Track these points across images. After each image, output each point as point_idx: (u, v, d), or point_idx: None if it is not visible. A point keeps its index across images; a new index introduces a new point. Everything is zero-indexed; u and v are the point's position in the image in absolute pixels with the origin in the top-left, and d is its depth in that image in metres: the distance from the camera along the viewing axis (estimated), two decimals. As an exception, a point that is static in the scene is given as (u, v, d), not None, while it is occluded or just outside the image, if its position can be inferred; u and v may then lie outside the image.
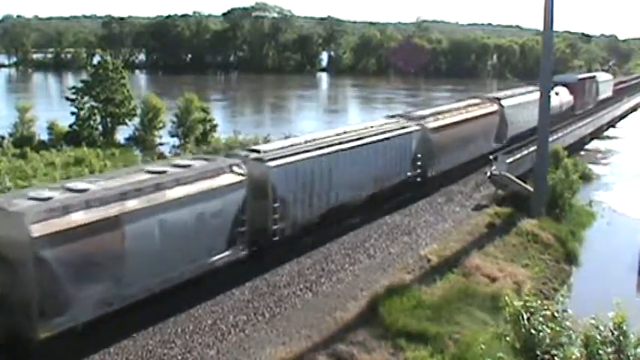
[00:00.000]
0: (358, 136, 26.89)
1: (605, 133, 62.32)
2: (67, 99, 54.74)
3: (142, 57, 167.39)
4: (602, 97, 69.05)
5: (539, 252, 27.10)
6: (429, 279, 21.49)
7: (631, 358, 9.92)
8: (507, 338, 10.97)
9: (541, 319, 10.67)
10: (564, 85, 56.44)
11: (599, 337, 10.05)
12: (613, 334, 9.97)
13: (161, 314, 17.67)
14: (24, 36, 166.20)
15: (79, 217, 15.49)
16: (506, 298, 11.00)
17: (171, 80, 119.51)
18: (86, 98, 54.20)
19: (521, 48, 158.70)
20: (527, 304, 10.81)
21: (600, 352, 9.96)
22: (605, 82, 72.97)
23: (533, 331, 10.56)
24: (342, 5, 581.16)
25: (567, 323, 10.57)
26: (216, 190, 19.12)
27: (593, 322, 10.18)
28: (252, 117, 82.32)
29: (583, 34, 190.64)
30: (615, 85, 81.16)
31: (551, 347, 10.45)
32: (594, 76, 69.35)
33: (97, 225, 15.69)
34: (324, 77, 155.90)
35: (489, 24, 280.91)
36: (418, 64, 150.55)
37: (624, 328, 10.02)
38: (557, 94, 50.75)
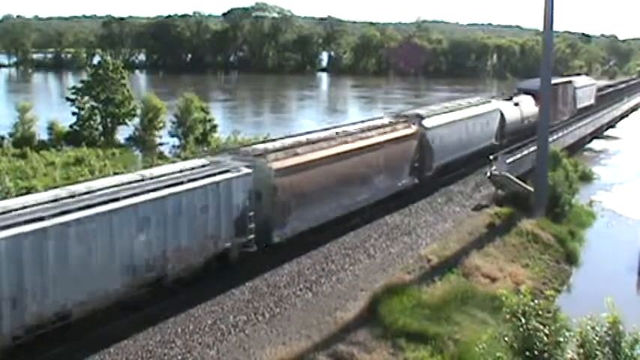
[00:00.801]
0: (113, 196, 17.07)
1: (606, 133, 62.29)
2: (67, 99, 54.78)
3: (142, 57, 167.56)
4: (581, 105, 58.95)
5: (540, 252, 27.11)
6: (428, 279, 21.50)
7: (627, 358, 9.95)
8: (506, 338, 10.98)
9: (538, 318, 10.69)
10: (528, 93, 47.26)
11: (595, 337, 10.07)
12: (608, 334, 9.99)
13: (161, 314, 17.68)
14: (24, 36, 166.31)
15: None
16: (504, 297, 11.00)
17: (172, 80, 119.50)
18: (86, 98, 54.25)
19: (521, 48, 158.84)
20: (524, 303, 10.82)
21: (597, 352, 9.98)
22: (586, 88, 62.66)
23: (530, 330, 10.59)
24: (342, 5, 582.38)
25: (562, 323, 10.60)
26: None
27: (589, 322, 10.19)
28: (253, 117, 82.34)
29: (583, 34, 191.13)
30: (599, 90, 71.37)
31: (548, 346, 10.47)
32: (570, 81, 58.70)
33: None
34: (324, 77, 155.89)
35: (489, 24, 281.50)
36: (418, 64, 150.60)
37: (619, 327, 10.04)
38: (516, 104, 44.23)
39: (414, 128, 30.42)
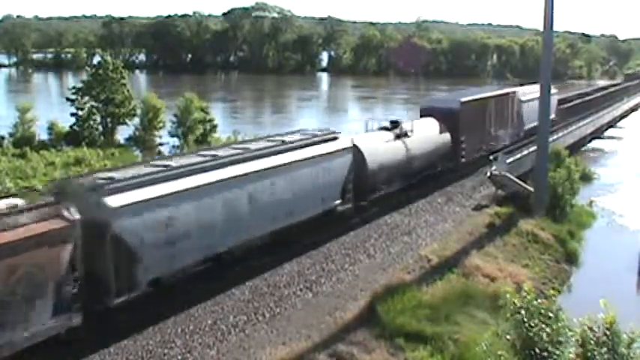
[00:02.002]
0: None
1: (605, 133, 62.25)
2: (68, 99, 54.83)
3: (142, 57, 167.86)
4: (531, 124, 40.43)
5: (540, 252, 27.11)
6: (429, 279, 21.49)
7: (624, 357, 10.03)
8: (507, 337, 11.02)
9: (540, 317, 10.75)
10: (431, 114, 33.69)
11: (592, 337, 10.15)
12: (606, 334, 10.07)
13: (161, 314, 17.68)
14: (24, 36, 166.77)
15: None
16: (507, 295, 11.06)
17: (173, 80, 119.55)
18: (86, 98, 54.29)
19: (521, 48, 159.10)
20: (526, 302, 10.89)
21: (595, 352, 10.07)
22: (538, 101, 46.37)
23: (533, 329, 10.64)
24: (342, 5, 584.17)
25: (564, 323, 10.67)
26: None
27: (587, 322, 10.28)
28: (253, 117, 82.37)
29: (583, 34, 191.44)
30: (564, 101, 54.83)
31: (549, 345, 10.53)
32: (512, 93, 42.28)
33: None
34: (324, 77, 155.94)
35: (489, 24, 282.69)
36: (418, 64, 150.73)
37: (615, 328, 10.12)
38: (400, 136, 29.46)
39: (66, 219, 15.34)
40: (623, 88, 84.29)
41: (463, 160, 34.40)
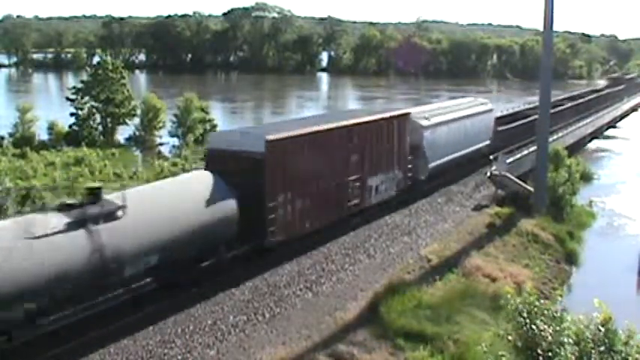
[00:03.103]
0: None
1: (605, 133, 62.23)
2: (67, 99, 54.88)
3: (142, 57, 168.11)
4: (442, 159, 31.84)
5: (540, 252, 27.10)
6: (429, 279, 21.48)
7: (621, 354, 10.08)
8: (509, 337, 11.03)
9: (543, 317, 10.76)
10: (217, 163, 20.37)
11: (589, 336, 10.20)
12: (602, 332, 10.12)
13: (161, 314, 17.67)
14: (24, 36, 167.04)
15: None
16: (508, 295, 11.08)
17: (173, 80, 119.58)
18: (86, 98, 54.38)
19: (521, 48, 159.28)
20: (528, 302, 10.90)
21: (592, 350, 10.11)
22: (453, 124, 33.14)
23: (535, 329, 10.65)
24: (342, 5, 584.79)
25: (567, 323, 10.68)
26: None
27: (582, 321, 10.32)
28: (254, 117, 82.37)
29: (583, 34, 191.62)
30: (506, 119, 42.23)
31: (552, 345, 10.54)
32: (404, 116, 28.65)
33: None
34: (324, 77, 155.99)
35: (489, 24, 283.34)
36: (418, 64, 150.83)
37: (611, 326, 10.16)
38: (103, 216, 15.88)
39: None
40: (603, 96, 69.33)
41: (274, 239, 21.04)
